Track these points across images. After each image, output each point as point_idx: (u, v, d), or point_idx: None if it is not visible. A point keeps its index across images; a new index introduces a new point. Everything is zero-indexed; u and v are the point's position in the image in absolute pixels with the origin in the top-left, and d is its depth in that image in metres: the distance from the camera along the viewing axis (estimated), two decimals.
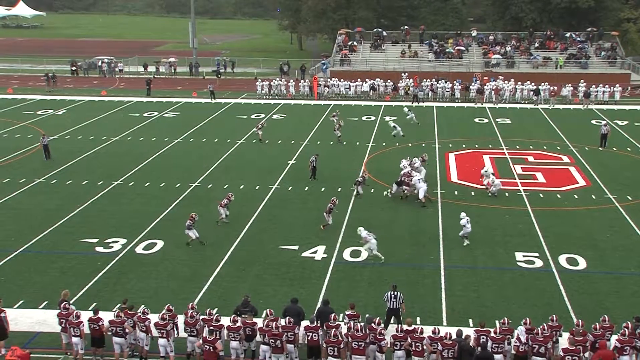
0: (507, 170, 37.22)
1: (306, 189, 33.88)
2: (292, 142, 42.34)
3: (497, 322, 19.43)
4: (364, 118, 51.23)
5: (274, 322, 18.33)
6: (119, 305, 19.77)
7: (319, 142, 42.54)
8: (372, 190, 33.25)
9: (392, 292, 20.34)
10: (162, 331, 18.50)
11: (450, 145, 42.56)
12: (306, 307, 20.20)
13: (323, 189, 33.64)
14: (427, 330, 18.22)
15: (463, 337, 18.01)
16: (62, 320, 18.97)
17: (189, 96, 60.23)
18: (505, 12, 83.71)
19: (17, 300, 22.22)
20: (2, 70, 77.62)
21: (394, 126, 44.03)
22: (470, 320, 20.92)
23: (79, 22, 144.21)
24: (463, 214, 27.41)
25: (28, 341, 19.76)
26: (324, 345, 18.03)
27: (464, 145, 42.56)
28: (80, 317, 18.84)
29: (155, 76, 73.11)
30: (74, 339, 18.71)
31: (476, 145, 42.60)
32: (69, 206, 31.32)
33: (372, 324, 18.50)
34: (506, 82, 58.84)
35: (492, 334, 18.05)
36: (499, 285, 23.65)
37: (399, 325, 18.49)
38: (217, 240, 27.37)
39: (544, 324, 18.42)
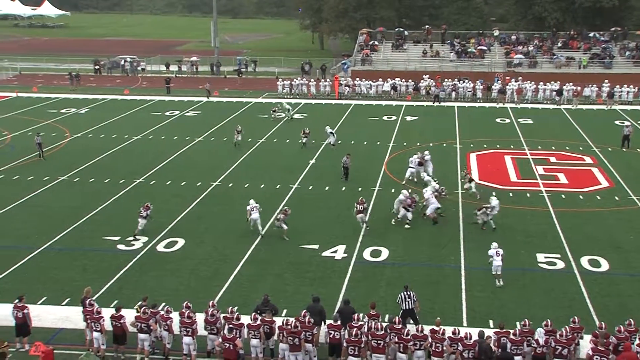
0: (528, 171, 36.99)
1: (327, 188, 33.89)
2: (313, 141, 42.37)
3: (517, 323, 19.33)
4: (384, 118, 51.15)
5: (301, 322, 18.39)
6: (139, 302, 19.92)
7: (340, 142, 42.51)
8: (393, 190, 33.18)
9: (405, 293, 20.28)
10: (187, 329, 18.60)
11: (472, 146, 42.37)
12: (326, 306, 20.20)
13: (343, 188, 33.65)
14: (448, 331, 18.16)
15: (484, 337, 17.95)
16: (87, 316, 19.17)
17: (211, 95, 60.41)
18: (528, 11, 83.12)
19: (40, 297, 22.46)
20: (28, 69, 78.44)
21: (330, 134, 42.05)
22: (491, 322, 20.82)
23: (103, 22, 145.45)
24: (494, 245, 23.98)
25: (51, 337, 19.97)
26: (345, 344, 18.04)
27: (485, 146, 42.36)
28: (100, 312, 19.02)
29: (177, 75, 73.49)
30: (95, 334, 18.91)
31: (498, 146, 42.37)
32: (91, 204, 31.60)
33: (394, 324, 18.48)
34: (527, 82, 58.41)
35: (512, 336, 17.97)
36: (520, 286, 23.51)
37: (419, 325, 18.45)
38: (237, 239, 27.48)
39: (566, 326, 18.30)
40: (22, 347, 19.33)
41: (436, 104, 56.00)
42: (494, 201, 28.43)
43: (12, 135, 45.16)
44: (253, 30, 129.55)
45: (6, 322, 19.88)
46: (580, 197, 32.91)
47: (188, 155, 40.39)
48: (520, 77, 60.29)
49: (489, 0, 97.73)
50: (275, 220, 27.92)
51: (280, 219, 27.58)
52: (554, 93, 56.66)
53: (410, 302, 20.16)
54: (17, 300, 19.74)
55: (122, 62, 77.21)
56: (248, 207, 27.93)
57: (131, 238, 27.44)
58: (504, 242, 27.02)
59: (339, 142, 42.39)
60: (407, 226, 28.58)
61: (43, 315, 21.20)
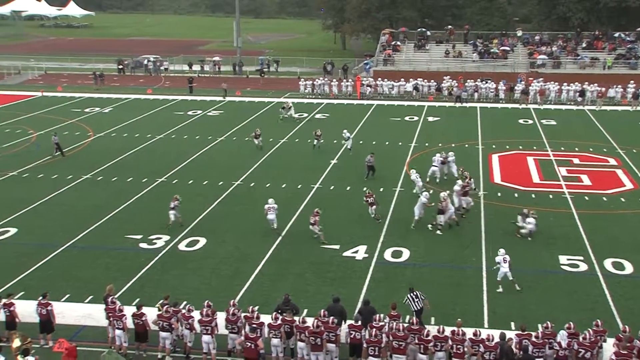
0: (551, 172, 36.73)
1: (348, 188, 33.89)
2: (335, 141, 42.37)
3: (539, 325, 19.19)
4: (406, 118, 51.03)
5: (323, 322, 18.41)
6: (160, 301, 20.06)
7: (361, 142, 42.48)
8: (414, 191, 33.09)
9: (412, 294, 20.31)
10: (206, 327, 18.70)
11: (494, 147, 42.14)
12: (347, 306, 20.19)
13: (365, 188, 33.59)
14: (469, 332, 18.08)
15: (505, 339, 17.86)
16: (109, 314, 19.34)
17: (232, 95, 60.68)
18: (552, 11, 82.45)
19: (63, 294, 22.68)
20: (53, 68, 79.22)
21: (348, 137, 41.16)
22: (512, 324, 20.70)
23: (127, 22, 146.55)
24: (502, 251, 23.69)
25: (74, 334, 20.16)
26: (365, 345, 18.04)
27: (507, 147, 42.10)
28: (122, 310, 19.19)
29: (200, 75, 73.83)
30: (117, 332, 19.10)
31: (520, 147, 42.11)
32: (114, 203, 31.86)
33: (411, 325, 18.45)
34: (550, 83, 57.98)
35: (533, 339, 17.85)
36: (542, 288, 23.37)
37: (440, 327, 18.38)
38: (259, 239, 27.57)
39: (590, 329, 18.15)
40: (45, 344, 19.54)
41: (458, 104, 55.78)
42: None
43: (38, 134, 45.64)
44: (275, 30, 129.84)
45: (30, 319, 20.08)
46: (604, 198, 32.61)
47: (210, 155, 40.58)
48: (541, 78, 59.86)
49: (512, 1, 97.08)
50: (310, 226, 27.60)
51: (313, 222, 27.44)
52: (577, 94, 56.18)
53: (418, 302, 20.19)
54: (41, 298, 19.97)
55: (145, 62, 77.74)
56: (266, 206, 28.20)
57: (153, 236, 27.61)
58: (526, 244, 26.94)
59: (360, 142, 42.35)
60: (438, 232, 28.16)
61: (66, 312, 21.41)
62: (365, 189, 30.58)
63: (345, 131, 41.34)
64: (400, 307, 20.23)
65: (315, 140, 41.24)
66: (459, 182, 30.82)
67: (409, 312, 20.80)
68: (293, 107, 51.22)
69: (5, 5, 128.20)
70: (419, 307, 20.18)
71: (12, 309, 19.74)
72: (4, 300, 19.94)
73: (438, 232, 28.19)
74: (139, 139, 44.05)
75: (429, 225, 28.46)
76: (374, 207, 29.44)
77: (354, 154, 39.68)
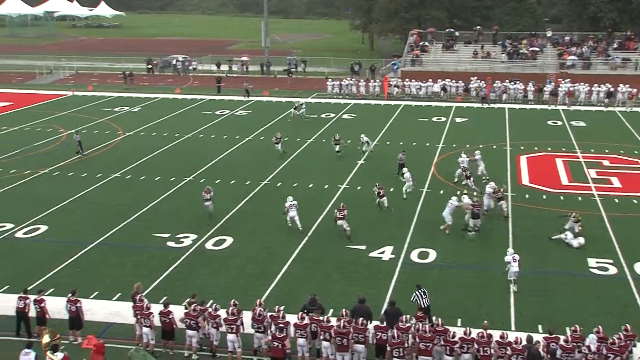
0: (580, 174, 36.36)
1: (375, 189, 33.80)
2: (349, 141, 42.32)
3: (567, 329, 19.02)
4: (434, 119, 50.84)
5: (350, 323, 18.43)
6: (187, 299, 20.21)
7: (388, 143, 42.40)
8: (442, 192, 32.97)
9: (420, 291, 20.42)
10: (231, 326, 18.80)
11: (522, 148, 41.82)
12: (373, 307, 20.16)
13: (392, 189, 33.54)
14: (495, 335, 17.97)
15: (533, 342, 17.72)
16: (137, 312, 19.53)
17: (260, 95, 60.91)
18: (583, 12, 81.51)
19: (92, 292, 22.94)
20: (84, 68, 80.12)
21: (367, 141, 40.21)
22: (540, 326, 20.54)
23: (156, 22, 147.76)
24: (510, 251, 23.86)
25: (102, 331, 20.39)
26: (389, 347, 17.99)
27: (536, 148, 41.75)
28: (150, 308, 19.37)
29: (228, 75, 74.19)
30: (144, 330, 19.28)
31: (549, 148, 41.73)
32: (142, 201, 32.15)
33: (436, 326, 18.38)
34: (580, 84, 57.36)
35: (562, 342, 17.68)
36: (570, 291, 23.15)
37: (467, 329, 18.28)
38: (285, 238, 27.65)
39: (620, 333, 17.94)
40: (74, 340, 19.78)
41: (485, 105, 55.41)
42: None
43: (68, 133, 46.17)
44: (303, 31, 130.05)
45: (60, 315, 20.34)
46: (635, 201, 32.21)
47: (237, 155, 40.76)
48: (568, 79, 59.25)
49: (542, 1, 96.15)
50: (337, 221, 27.76)
51: (342, 217, 27.62)
52: (604, 95, 55.55)
53: (426, 299, 20.25)
54: (70, 295, 20.22)
55: (174, 62, 78.28)
56: (287, 204, 28.40)
57: (180, 235, 27.83)
58: (554, 247, 26.70)
59: (388, 142, 42.25)
60: (469, 234, 27.70)
61: (95, 309, 21.66)
62: (377, 183, 31.45)
63: (363, 135, 40.60)
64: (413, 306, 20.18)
65: (337, 146, 39.57)
66: (492, 183, 30.60)
67: (435, 312, 20.69)
68: (305, 107, 51.07)
69: (38, 6, 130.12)
70: (427, 304, 20.17)
71: (42, 305, 20.03)
72: (34, 297, 20.22)
73: (470, 234, 27.78)
74: (167, 138, 44.38)
75: (465, 231, 27.89)
76: (384, 198, 30.37)
77: (380, 155, 39.61)
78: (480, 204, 28.55)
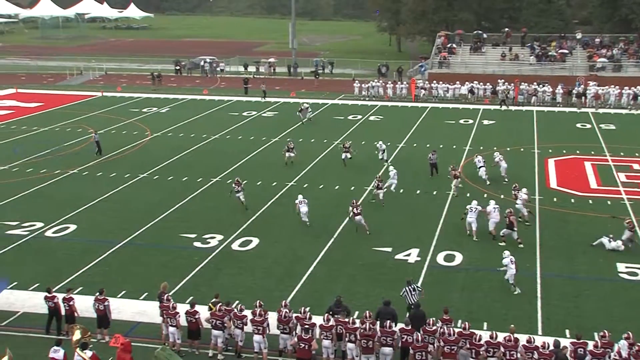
0: (610, 178, 35.95)
1: (401, 191, 33.73)
2: (389, 143, 42.23)
3: (595, 334, 18.82)
4: (461, 121, 50.58)
5: (373, 325, 18.42)
6: (212, 300, 20.30)
7: (415, 145, 42.26)
8: (468, 195, 32.78)
9: (409, 287, 20.67)
10: (258, 327, 18.87)
11: (550, 151, 41.44)
12: (398, 310, 20.10)
13: (418, 191, 33.46)
14: (522, 339, 17.83)
15: (560, 347, 17.56)
16: (163, 311, 19.67)
17: (287, 96, 61.06)
18: (614, 13, 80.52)
19: (120, 291, 23.16)
20: (113, 69, 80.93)
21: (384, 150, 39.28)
22: (567, 331, 20.35)
23: (184, 23, 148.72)
24: (507, 253, 23.69)
25: (129, 330, 20.58)
26: (412, 350, 17.94)
27: (564, 151, 41.35)
28: (176, 308, 19.51)
29: (255, 76, 74.49)
30: (171, 329, 19.42)
31: (577, 152, 41.31)
32: (169, 201, 32.39)
33: (463, 330, 18.29)
34: (611, 86, 56.69)
35: (592, 348, 17.47)
36: (598, 296, 22.90)
37: (493, 332, 18.17)
38: (311, 240, 27.69)
39: None
40: (102, 338, 19.98)
41: (503, 107, 55.00)
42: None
43: (97, 133, 46.60)
44: (330, 32, 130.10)
45: (88, 314, 20.55)
46: None
47: (264, 156, 40.89)
48: (595, 82, 58.59)
49: (571, 2, 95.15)
50: (355, 217, 28.17)
51: (359, 212, 28.16)
52: (630, 97, 54.93)
53: (415, 295, 20.49)
54: (97, 294, 20.44)
55: (202, 63, 78.77)
56: (297, 201, 29.45)
57: (207, 236, 28.01)
58: (583, 250, 26.43)
59: (414, 145, 42.12)
60: (502, 243, 27.04)
61: (122, 308, 21.86)
62: (377, 175, 32.83)
63: (380, 143, 39.74)
64: (453, 312, 20.08)
65: (347, 154, 38.19)
66: (524, 190, 30.24)
67: (461, 316, 20.65)
68: (310, 109, 50.64)
69: (69, 8, 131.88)
70: (414, 301, 20.31)
71: (71, 303, 20.26)
72: (63, 295, 20.47)
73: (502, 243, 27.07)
74: (194, 139, 44.66)
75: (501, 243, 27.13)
76: (380, 191, 31.60)
77: (407, 157, 39.52)
78: (513, 213, 27.70)
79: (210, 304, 20.12)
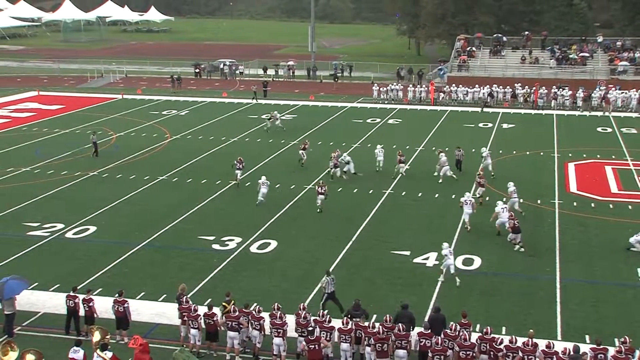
0: (631, 182, 35.64)
1: (420, 194, 33.67)
2: (407, 147, 42.18)
3: (616, 340, 18.66)
4: (480, 125, 50.38)
5: (392, 329, 18.40)
6: (225, 299, 20.30)
7: (433, 148, 42.12)
8: (488, 198, 32.65)
9: (329, 277, 21.61)
10: (278, 330, 18.90)
11: (570, 155, 41.15)
12: (416, 314, 20.06)
13: (437, 195, 33.37)
14: (541, 344, 17.70)
15: (580, 353, 17.41)
16: (184, 314, 19.77)
17: (306, 99, 61.15)
18: (636, 16, 79.85)
19: (139, 292, 23.29)
20: (133, 72, 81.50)
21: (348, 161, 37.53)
22: (587, 337, 20.18)
23: (205, 26, 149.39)
24: (445, 244, 24.36)
25: (148, 331, 20.67)
26: (430, 354, 17.88)
27: (584, 155, 41.05)
28: (197, 310, 19.60)
29: (274, 79, 74.66)
30: (192, 331, 19.49)
31: (598, 156, 40.99)
32: (188, 204, 32.53)
33: (485, 335, 18.19)
34: (632, 90, 56.22)
35: (615, 353, 17.29)
36: (619, 301, 22.70)
37: (512, 337, 18.05)
38: (329, 243, 27.70)
39: None
40: (121, 340, 20.11)
41: (484, 109, 55.37)
42: None
43: (117, 135, 47.03)
44: (350, 35, 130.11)
45: (107, 315, 20.70)
46: None
47: (282, 158, 40.95)
48: (603, 86, 58.18)
49: (593, 6, 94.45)
50: (317, 195, 31.14)
51: (322, 192, 31.08)
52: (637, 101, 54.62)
53: (333, 284, 21.50)
54: (117, 295, 20.58)
55: (221, 66, 79.11)
56: (260, 181, 32.26)
57: (225, 238, 28.10)
58: (603, 255, 26.24)
59: (433, 148, 41.93)
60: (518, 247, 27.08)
61: (141, 309, 21.98)
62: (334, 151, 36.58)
63: (378, 147, 38.56)
64: (471, 316, 19.97)
65: (302, 152, 38.80)
66: (511, 183, 31.12)
67: (479, 320, 20.57)
68: (279, 118, 48.97)
69: (91, 11, 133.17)
70: (332, 290, 21.44)
71: (91, 304, 20.40)
72: (83, 296, 20.62)
73: (519, 247, 26.90)
74: (213, 142, 44.83)
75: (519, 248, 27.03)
76: (336, 169, 35.66)
77: (426, 160, 39.39)
78: (515, 217, 27.67)
79: (223, 304, 20.17)
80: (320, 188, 31.31)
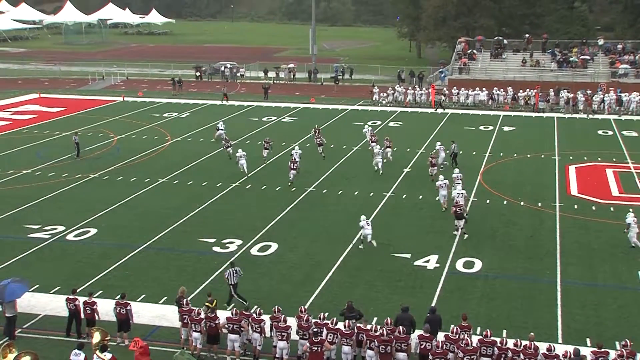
0: (632, 185, 35.65)
1: (420, 197, 33.69)
2: (408, 149, 42.20)
3: (617, 343, 18.64)
4: (481, 127, 50.39)
5: (392, 331, 18.40)
6: (214, 301, 20.35)
7: (434, 151, 42.04)
8: (488, 201, 32.66)
9: (233, 269, 22.58)
10: (282, 333, 18.88)
11: (571, 158, 41.15)
12: (417, 316, 20.04)
13: (437, 197, 33.34)
14: (542, 347, 17.70)
15: (581, 356, 17.39)
16: (184, 316, 19.76)
17: (306, 102, 61.18)
18: (637, 19, 79.91)
19: (139, 295, 23.28)
20: (134, 74, 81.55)
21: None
22: (588, 340, 20.17)
23: (205, 29, 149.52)
24: (363, 217, 27.60)
25: (149, 334, 20.67)
26: (431, 357, 17.87)
27: (585, 158, 41.05)
28: (200, 314, 19.58)
29: (275, 82, 74.71)
30: (194, 334, 19.48)
31: (599, 159, 40.99)
32: (189, 206, 32.53)
33: (485, 337, 18.17)
34: (634, 93, 56.23)
35: (616, 357, 17.27)
36: (620, 304, 22.68)
37: (517, 340, 18.01)
38: (330, 245, 27.70)
39: None
40: (122, 342, 20.10)
41: (440, 110, 56.22)
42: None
43: (118, 137, 47.05)
44: (351, 38, 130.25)
45: (107, 317, 20.68)
46: None
47: (283, 161, 40.83)
48: (589, 91, 58.28)
49: (594, 8, 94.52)
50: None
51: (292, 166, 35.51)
52: (637, 103, 54.63)
53: (236, 277, 22.43)
54: (119, 298, 20.57)
55: (222, 68, 79.15)
56: (237, 155, 37.39)
57: (226, 240, 28.10)
58: (604, 258, 26.24)
59: (433, 151, 41.90)
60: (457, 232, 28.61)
61: (141, 312, 21.95)
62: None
63: (375, 145, 40.14)
64: (472, 319, 19.96)
65: (266, 150, 40.60)
66: (456, 170, 33.66)
67: (480, 323, 20.56)
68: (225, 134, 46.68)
69: (92, 13, 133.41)
70: (235, 282, 22.34)
71: (93, 307, 20.40)
72: (84, 299, 20.62)
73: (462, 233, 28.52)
74: (214, 144, 44.83)
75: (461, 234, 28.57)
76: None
77: (424, 163, 39.37)
78: (461, 204, 29.22)
79: (206, 304, 20.18)
80: (292, 164, 35.89)
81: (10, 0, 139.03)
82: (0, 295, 20.56)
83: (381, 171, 37.28)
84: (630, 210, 29.18)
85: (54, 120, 53.74)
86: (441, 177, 32.55)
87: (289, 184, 35.24)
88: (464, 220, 28.43)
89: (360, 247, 27.28)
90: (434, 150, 38.58)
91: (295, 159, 36.23)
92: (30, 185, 36.14)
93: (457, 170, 33.79)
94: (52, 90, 68.47)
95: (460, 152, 40.04)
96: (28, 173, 38.36)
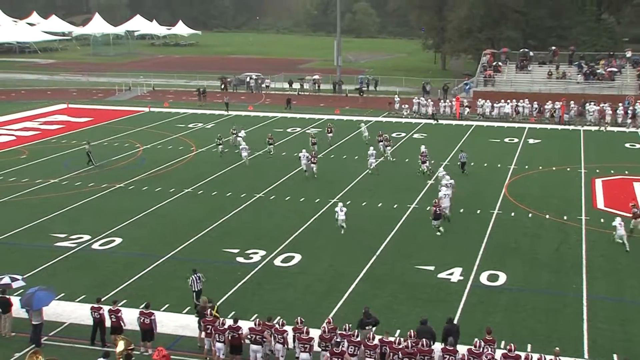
0: None
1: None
2: (432, 161, 42.06)
3: None
4: (506, 140, 50.11)
5: (416, 344, 18.34)
6: (214, 307, 20.42)
7: (458, 163, 41.94)
8: (513, 214, 32.45)
9: (195, 275, 22.79)
10: (305, 345, 18.87)
11: (598, 171, 40.74)
12: (440, 329, 19.90)
13: (462, 210, 33.20)
14: None
15: None
16: (209, 326, 19.81)
17: (331, 113, 61.27)
18: None
19: (163, 304, 23.41)
20: (160, 85, 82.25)
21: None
22: (615, 356, 19.92)
23: (231, 40, 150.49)
24: (340, 204, 30.61)
25: (172, 343, 20.76)
26: None
27: (612, 171, 40.62)
28: (225, 324, 19.62)
29: (300, 93, 74.92)
30: (218, 345, 19.53)
31: (626, 172, 40.55)
32: (213, 216, 32.69)
33: (509, 352, 18.02)
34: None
35: None
36: None
37: (541, 355, 17.84)
38: (354, 257, 27.66)
39: None
40: (145, 351, 20.20)
41: (433, 122, 56.73)
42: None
43: (144, 148, 47.47)
44: (375, 50, 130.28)
45: (132, 326, 20.78)
46: None
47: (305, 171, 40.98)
48: (593, 101, 57.74)
49: (621, 21, 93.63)
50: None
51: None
52: None
53: (200, 284, 22.65)
54: (143, 307, 20.70)
55: (247, 80, 79.57)
56: (241, 146, 42.37)
57: (249, 251, 28.17)
58: (631, 273, 25.92)
59: (458, 163, 41.76)
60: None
61: (165, 321, 22.06)
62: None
63: (369, 148, 43.41)
64: (496, 332, 19.81)
65: (270, 145, 45.27)
66: (441, 167, 33.85)
67: (504, 337, 20.39)
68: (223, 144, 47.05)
69: (120, 25, 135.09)
70: (199, 288, 22.53)
71: (118, 315, 20.53)
72: (109, 307, 20.78)
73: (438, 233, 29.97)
74: (238, 155, 44.88)
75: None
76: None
77: (451, 175, 39.28)
78: (439, 204, 30.66)
79: (212, 311, 20.21)
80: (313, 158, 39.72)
81: (41, 13, 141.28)
82: (28, 303, 20.83)
83: (377, 172, 39.90)
84: None
85: (82, 130, 54.35)
86: (447, 177, 34.00)
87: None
88: (441, 219, 30.28)
89: (342, 225, 29.90)
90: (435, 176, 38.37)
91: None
92: (58, 194, 36.57)
93: (448, 177, 34.43)
94: (80, 101, 69.29)
95: (472, 164, 40.04)
96: (55, 182, 38.83)
